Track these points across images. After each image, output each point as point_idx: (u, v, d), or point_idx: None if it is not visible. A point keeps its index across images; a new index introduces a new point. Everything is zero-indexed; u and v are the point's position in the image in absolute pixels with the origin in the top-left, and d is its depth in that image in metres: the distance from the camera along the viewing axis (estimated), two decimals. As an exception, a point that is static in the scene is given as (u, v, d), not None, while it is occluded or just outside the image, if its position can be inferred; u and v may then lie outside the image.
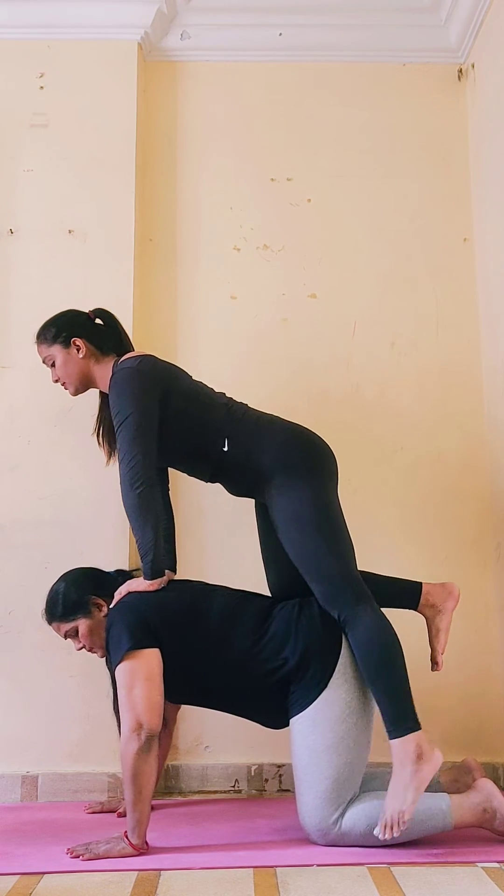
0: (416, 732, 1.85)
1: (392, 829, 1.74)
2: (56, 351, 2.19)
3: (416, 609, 2.08)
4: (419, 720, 1.88)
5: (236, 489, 2.16)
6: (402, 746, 1.84)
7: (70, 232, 2.67)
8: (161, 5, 2.75)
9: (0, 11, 2.73)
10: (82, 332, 2.19)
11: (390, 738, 1.86)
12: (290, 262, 2.77)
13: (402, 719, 1.86)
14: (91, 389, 2.27)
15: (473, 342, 2.75)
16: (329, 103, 2.87)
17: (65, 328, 2.19)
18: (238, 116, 2.85)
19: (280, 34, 2.85)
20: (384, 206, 2.82)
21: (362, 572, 2.05)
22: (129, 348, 2.24)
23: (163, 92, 2.86)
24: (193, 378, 2.20)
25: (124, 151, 2.71)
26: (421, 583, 2.11)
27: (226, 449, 2.07)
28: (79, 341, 2.18)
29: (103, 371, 2.19)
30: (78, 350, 2.18)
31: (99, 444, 2.28)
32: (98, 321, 2.24)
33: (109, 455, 2.27)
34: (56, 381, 2.23)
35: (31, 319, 2.60)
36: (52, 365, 2.21)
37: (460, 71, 2.89)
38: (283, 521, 2.02)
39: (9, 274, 2.65)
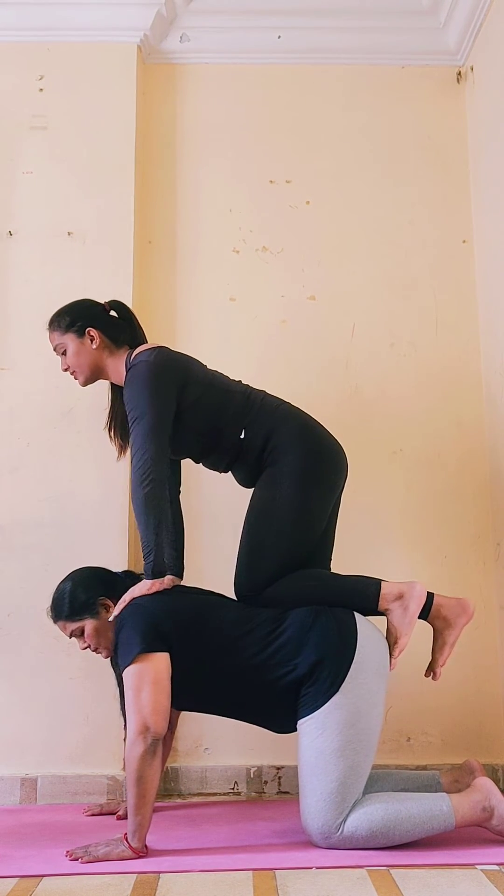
0: (380, 585, 1.99)
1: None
2: (69, 340, 2.16)
3: (426, 619, 2.05)
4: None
5: (249, 478, 2.15)
6: (384, 602, 1.98)
7: (69, 234, 2.68)
8: (160, 8, 2.75)
9: (0, 14, 2.74)
10: (97, 323, 2.17)
11: (378, 609, 1.99)
12: (289, 263, 2.77)
13: (364, 596, 1.98)
14: (100, 385, 2.26)
15: (473, 343, 2.75)
16: (328, 106, 2.87)
17: (80, 317, 2.17)
18: (237, 118, 2.85)
19: (279, 37, 2.85)
20: (383, 208, 2.82)
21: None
22: (144, 340, 2.23)
23: (162, 94, 2.87)
24: (208, 367, 2.20)
25: (124, 153, 2.71)
26: (433, 594, 2.06)
27: (243, 437, 2.08)
28: (93, 332, 2.15)
29: (116, 363, 2.17)
30: (92, 341, 2.15)
31: (110, 438, 2.26)
32: (113, 313, 2.22)
33: (121, 450, 2.25)
34: (66, 369, 2.20)
35: (30, 321, 2.62)
36: (63, 353, 2.18)
37: (459, 73, 2.90)
38: (256, 499, 2.07)
39: (8, 276, 2.65)
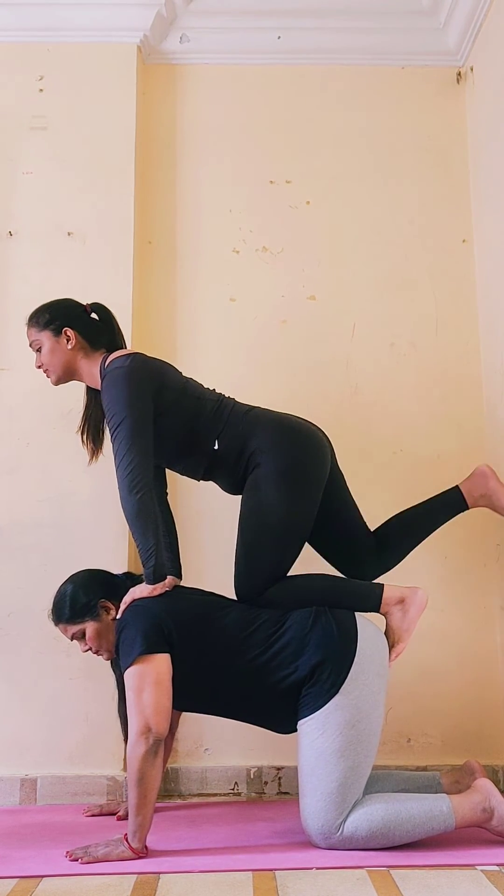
0: (383, 589, 2.01)
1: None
2: (45, 337, 2.15)
3: (468, 508, 2.18)
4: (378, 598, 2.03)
5: (231, 486, 2.15)
6: (385, 605, 2.01)
7: (69, 234, 2.68)
8: (160, 8, 2.76)
9: (0, 14, 2.74)
10: (76, 324, 2.15)
11: (379, 612, 2.02)
12: (289, 264, 2.77)
13: (366, 598, 2.01)
14: (80, 387, 2.26)
15: (472, 343, 2.75)
16: (328, 106, 2.87)
17: (59, 316, 2.16)
18: (237, 119, 2.86)
19: (279, 37, 2.85)
20: (383, 209, 2.82)
21: (404, 511, 2.24)
22: (122, 346, 2.21)
23: (162, 94, 2.87)
24: (184, 374, 2.19)
25: (124, 154, 2.72)
26: (456, 486, 2.20)
27: (217, 448, 2.07)
28: (70, 332, 2.14)
29: (90, 366, 2.15)
30: (68, 341, 2.14)
31: (83, 442, 2.24)
32: (94, 315, 2.21)
33: (93, 454, 2.24)
34: (39, 366, 2.19)
35: (30, 322, 2.62)
36: (38, 350, 2.17)
37: (459, 74, 2.90)
38: (245, 504, 2.06)
39: (8, 276, 2.65)
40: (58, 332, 2.15)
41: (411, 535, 2.22)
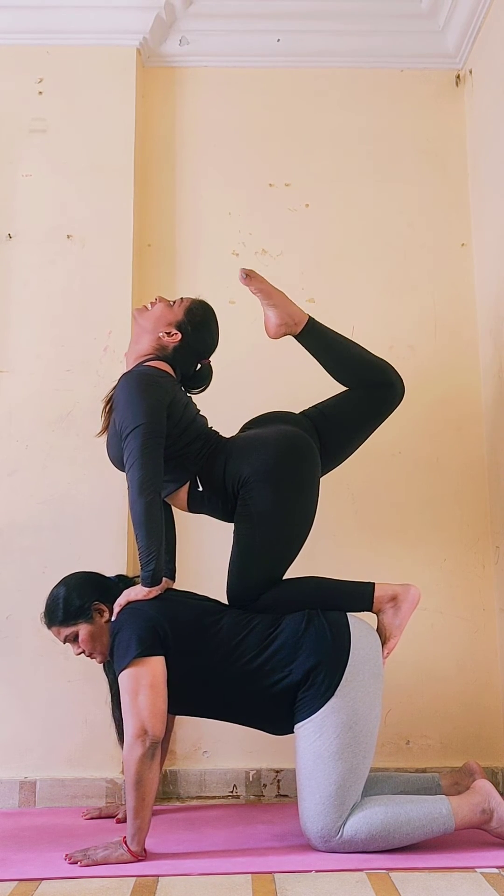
0: (374, 586, 2.02)
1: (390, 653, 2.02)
2: (171, 313, 2.20)
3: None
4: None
5: (225, 514, 2.14)
6: (378, 604, 2.02)
7: (68, 237, 2.68)
8: (160, 11, 2.76)
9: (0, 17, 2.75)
10: (190, 337, 2.19)
11: (372, 611, 2.04)
12: (288, 266, 2.77)
13: (359, 598, 2.01)
14: (99, 388, 2.31)
15: (471, 346, 2.75)
16: (327, 109, 2.88)
17: (191, 321, 2.21)
18: (237, 122, 2.86)
19: (278, 40, 2.86)
20: (382, 211, 2.82)
21: (332, 362, 2.25)
22: (184, 388, 2.23)
23: (161, 97, 2.88)
24: (193, 408, 2.19)
25: (123, 156, 2.72)
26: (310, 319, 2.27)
27: (200, 489, 2.10)
28: (180, 335, 2.18)
29: (142, 355, 2.17)
30: (170, 335, 2.18)
31: (103, 410, 2.19)
32: (200, 364, 2.25)
33: (105, 428, 2.19)
34: (151, 303, 2.24)
35: (29, 324, 2.62)
36: (161, 300, 2.24)
37: (458, 77, 2.90)
38: (242, 515, 2.05)
39: (7, 279, 2.65)
40: (180, 327, 2.19)
41: (347, 360, 2.26)
